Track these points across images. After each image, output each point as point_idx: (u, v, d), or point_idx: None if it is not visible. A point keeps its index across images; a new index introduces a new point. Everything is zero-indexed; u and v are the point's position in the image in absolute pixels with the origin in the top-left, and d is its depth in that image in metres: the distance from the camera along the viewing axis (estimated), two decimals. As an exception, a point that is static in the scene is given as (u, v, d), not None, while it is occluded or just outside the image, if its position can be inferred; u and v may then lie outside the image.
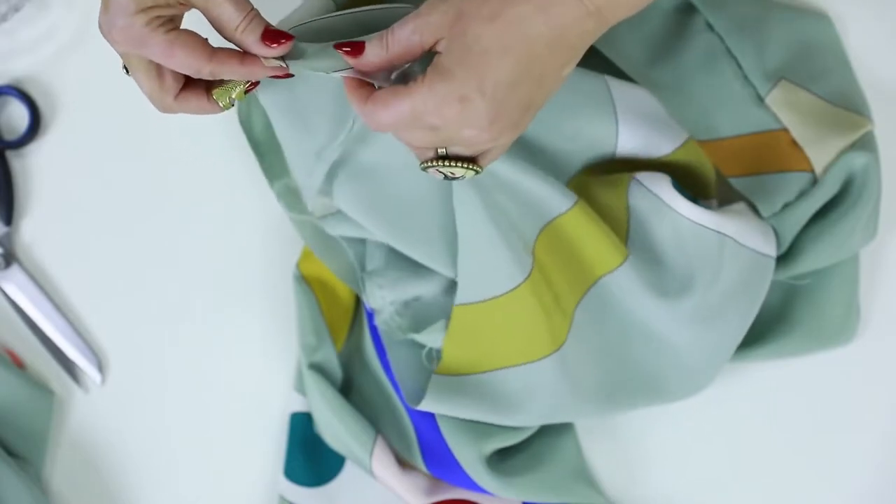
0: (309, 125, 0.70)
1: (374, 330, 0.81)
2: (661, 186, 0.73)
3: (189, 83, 0.62)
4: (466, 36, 0.56)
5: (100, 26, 0.59)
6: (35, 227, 0.84)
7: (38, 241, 0.84)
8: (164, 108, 0.63)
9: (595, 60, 0.77)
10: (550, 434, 0.81)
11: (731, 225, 0.73)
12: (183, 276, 0.83)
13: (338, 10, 0.67)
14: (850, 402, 0.81)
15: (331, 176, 0.72)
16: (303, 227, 0.80)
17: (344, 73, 0.60)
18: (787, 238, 0.76)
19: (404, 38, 0.58)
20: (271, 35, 0.59)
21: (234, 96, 0.62)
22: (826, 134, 0.76)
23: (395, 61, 0.59)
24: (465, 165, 0.61)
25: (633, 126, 0.74)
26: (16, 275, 0.83)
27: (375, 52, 0.59)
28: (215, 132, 0.83)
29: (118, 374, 0.83)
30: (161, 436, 0.83)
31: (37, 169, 0.84)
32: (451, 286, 0.77)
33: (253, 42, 0.59)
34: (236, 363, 0.83)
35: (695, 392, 0.77)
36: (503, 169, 0.71)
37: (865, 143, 0.76)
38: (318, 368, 0.80)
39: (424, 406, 0.75)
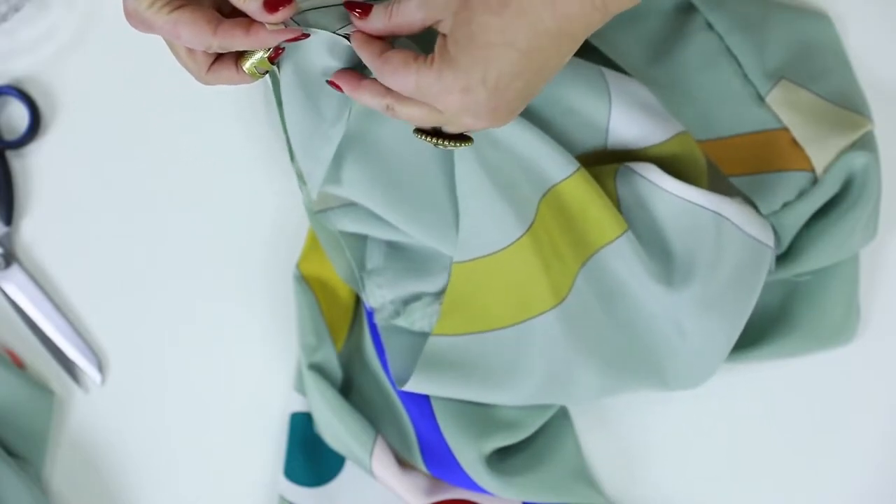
0: (319, 106, 0.70)
1: (373, 329, 0.81)
2: (649, 170, 0.73)
3: (220, 55, 0.63)
4: (472, 24, 0.56)
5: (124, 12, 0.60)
6: (35, 227, 0.84)
7: (38, 241, 0.84)
8: (202, 81, 0.63)
9: (594, 58, 0.77)
10: (550, 434, 0.81)
11: (728, 207, 0.73)
12: (183, 276, 0.83)
13: None
14: (849, 402, 0.81)
15: (338, 160, 0.72)
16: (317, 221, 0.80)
17: (348, 31, 0.61)
18: (787, 237, 0.76)
19: (409, 11, 0.58)
20: (272, 2, 0.59)
21: (256, 64, 0.63)
22: (826, 133, 0.76)
23: (395, 31, 0.60)
24: (459, 143, 0.62)
25: (625, 108, 0.74)
26: (16, 275, 0.83)
27: (379, 17, 0.60)
28: (215, 132, 0.83)
29: (118, 374, 0.83)
30: (161, 436, 0.83)
31: (37, 169, 0.84)
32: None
33: (256, 9, 0.59)
34: (236, 363, 0.83)
35: (695, 383, 0.76)
36: (504, 135, 0.71)
37: (865, 143, 0.76)
38: (318, 368, 0.80)
39: (412, 385, 0.75)
